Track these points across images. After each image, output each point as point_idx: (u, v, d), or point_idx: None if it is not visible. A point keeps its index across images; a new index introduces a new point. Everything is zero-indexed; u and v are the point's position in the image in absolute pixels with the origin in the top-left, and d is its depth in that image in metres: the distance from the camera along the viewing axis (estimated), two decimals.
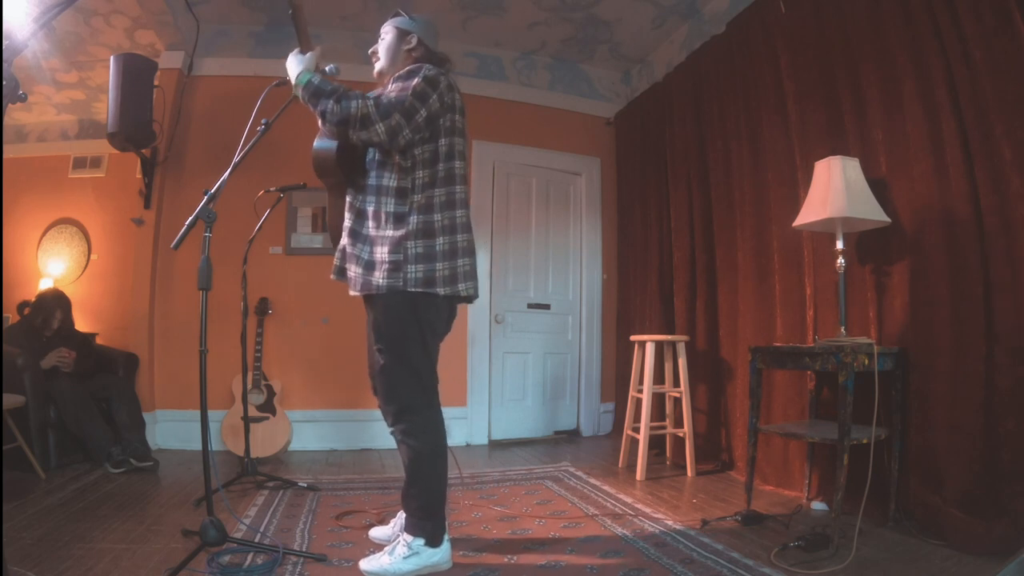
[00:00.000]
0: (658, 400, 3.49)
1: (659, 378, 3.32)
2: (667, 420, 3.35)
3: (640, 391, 3.19)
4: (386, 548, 1.81)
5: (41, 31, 1.38)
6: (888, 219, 2.28)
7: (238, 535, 2.01)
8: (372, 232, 1.80)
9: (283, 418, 3.53)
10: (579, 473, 3.10)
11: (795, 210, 2.52)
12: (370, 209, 1.81)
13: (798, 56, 2.82)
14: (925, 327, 2.19)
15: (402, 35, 1.91)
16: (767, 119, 3.01)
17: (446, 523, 1.84)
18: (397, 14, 1.96)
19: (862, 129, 2.49)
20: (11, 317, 3.74)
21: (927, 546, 1.96)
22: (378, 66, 1.95)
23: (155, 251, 3.75)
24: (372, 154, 1.86)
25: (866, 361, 2.08)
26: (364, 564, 1.77)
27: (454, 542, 2.02)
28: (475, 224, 4.27)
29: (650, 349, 3.15)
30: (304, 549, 1.93)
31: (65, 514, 2.25)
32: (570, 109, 4.56)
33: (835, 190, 2.24)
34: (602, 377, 4.52)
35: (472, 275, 1.84)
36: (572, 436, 4.39)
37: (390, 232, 1.77)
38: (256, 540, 1.97)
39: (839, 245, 2.33)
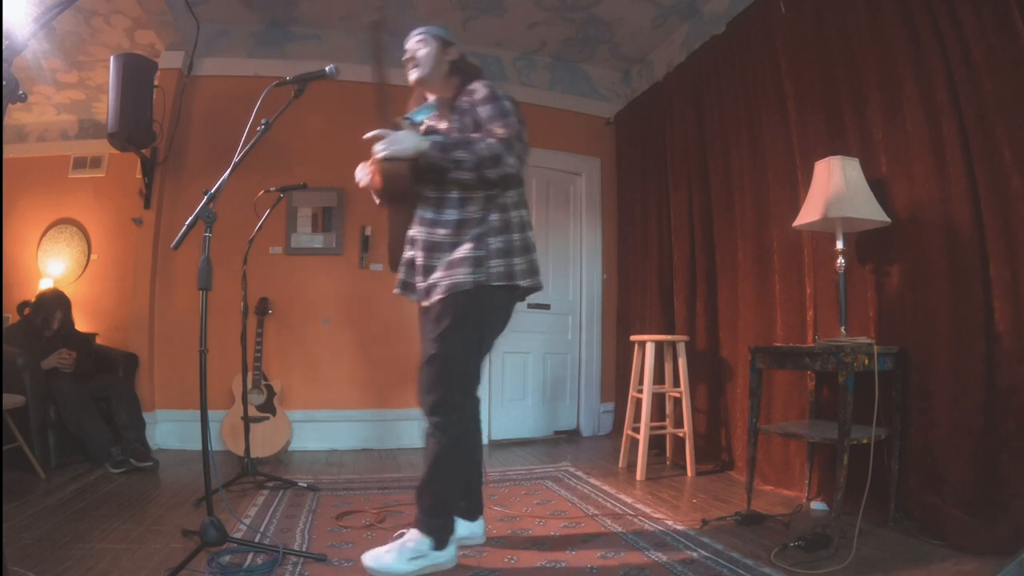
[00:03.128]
0: (658, 400, 3.49)
1: (659, 378, 3.32)
2: (667, 420, 3.35)
3: (640, 391, 3.19)
4: (390, 544, 1.79)
5: (41, 31, 1.38)
6: (888, 219, 2.28)
7: (238, 535, 2.01)
8: (449, 238, 1.82)
9: (283, 418, 3.53)
10: (579, 473, 3.10)
11: (795, 210, 2.52)
12: (448, 218, 1.83)
13: (798, 56, 2.81)
14: (925, 327, 2.19)
15: (444, 45, 1.95)
16: (767, 119, 3.01)
17: (454, 522, 1.84)
18: (428, 23, 2.01)
19: (862, 129, 2.49)
20: (11, 317, 3.74)
21: (927, 546, 1.96)
22: (418, 74, 1.95)
23: (155, 251, 3.75)
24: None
25: (866, 361, 2.08)
26: (368, 560, 1.76)
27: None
28: None
29: (650, 349, 3.15)
30: (304, 549, 1.93)
31: (65, 514, 2.25)
32: (570, 109, 4.56)
33: (835, 190, 2.24)
34: (602, 377, 4.52)
35: (538, 269, 1.93)
36: (572, 436, 4.39)
37: (469, 234, 1.80)
38: (256, 540, 1.97)
39: (839, 245, 2.33)
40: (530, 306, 4.37)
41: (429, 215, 1.86)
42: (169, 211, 3.78)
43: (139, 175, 3.79)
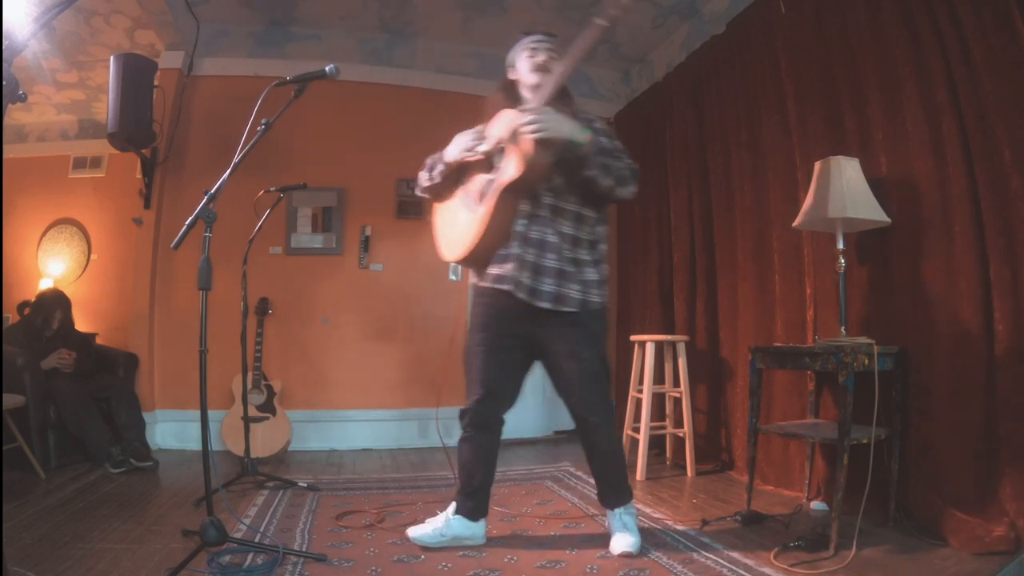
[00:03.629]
0: (658, 400, 3.49)
1: (659, 378, 3.32)
2: (667, 420, 3.35)
3: (640, 391, 3.19)
4: (614, 526, 1.99)
5: (41, 31, 1.38)
6: (888, 219, 2.27)
7: (238, 535, 2.01)
8: (576, 255, 1.93)
9: (283, 418, 3.53)
10: (579, 473, 3.10)
11: (795, 210, 2.52)
12: (570, 232, 1.92)
13: (798, 56, 2.81)
14: (925, 327, 2.19)
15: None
16: (767, 119, 3.01)
17: None
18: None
19: (862, 129, 2.49)
20: (11, 317, 3.74)
21: (927, 546, 1.95)
22: (544, 79, 1.89)
23: (155, 251, 3.75)
24: (562, 181, 1.90)
25: (866, 361, 2.08)
26: (618, 547, 1.92)
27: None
28: None
29: (650, 349, 3.15)
30: (304, 549, 1.92)
31: (65, 514, 2.25)
32: None
33: (835, 190, 2.24)
34: None
35: None
36: (572, 436, 4.38)
37: (589, 256, 1.96)
38: (256, 540, 1.97)
39: (839, 245, 2.33)
40: None
41: (546, 214, 1.89)
42: (169, 211, 3.78)
43: (139, 175, 3.79)
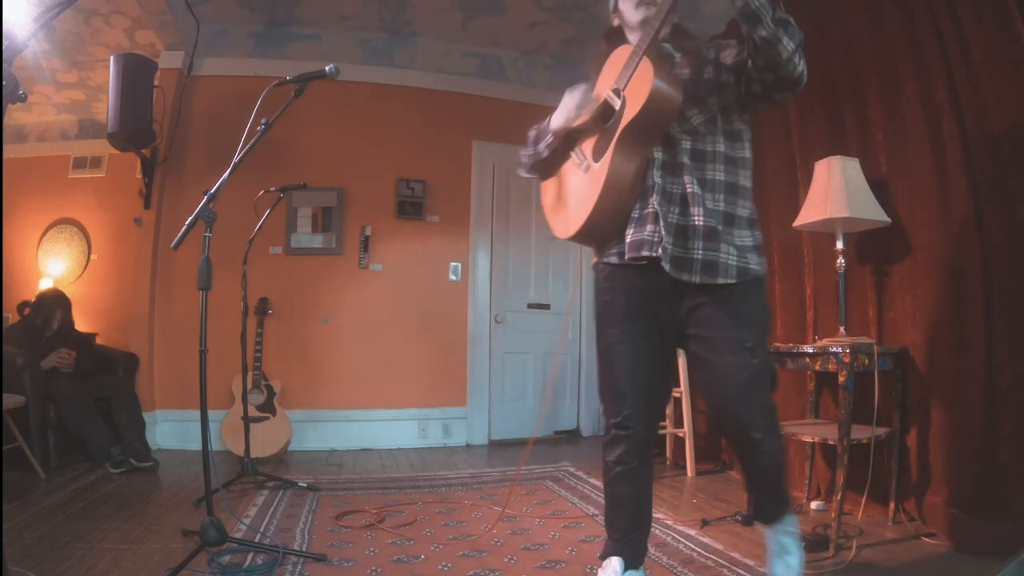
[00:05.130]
0: None
1: None
2: (667, 420, 3.35)
3: None
4: (773, 550, 1.57)
5: (41, 31, 1.38)
6: (888, 219, 2.28)
7: (238, 535, 2.01)
8: (728, 208, 1.48)
9: (283, 418, 3.53)
10: (579, 473, 3.10)
11: (795, 210, 2.52)
12: (723, 179, 1.51)
13: None
14: (925, 327, 2.19)
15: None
16: (767, 119, 3.01)
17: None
18: None
19: (862, 129, 2.49)
20: (11, 317, 3.74)
21: (927, 546, 1.96)
22: (650, 12, 1.54)
23: (155, 251, 3.75)
24: (702, 120, 1.54)
25: (866, 361, 2.08)
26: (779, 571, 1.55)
27: (454, 541, 2.02)
28: (475, 225, 4.30)
29: None
30: (304, 549, 1.92)
31: (65, 514, 2.25)
32: None
33: (835, 190, 2.24)
34: None
35: None
36: (572, 436, 4.39)
37: (747, 210, 1.52)
38: (256, 540, 1.97)
39: (839, 245, 2.33)
40: (530, 306, 4.37)
41: (686, 160, 1.49)
42: (169, 211, 3.78)
43: (139, 175, 3.79)
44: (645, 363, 1.52)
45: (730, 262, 1.43)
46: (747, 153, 1.56)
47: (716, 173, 1.50)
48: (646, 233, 1.45)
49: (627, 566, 1.53)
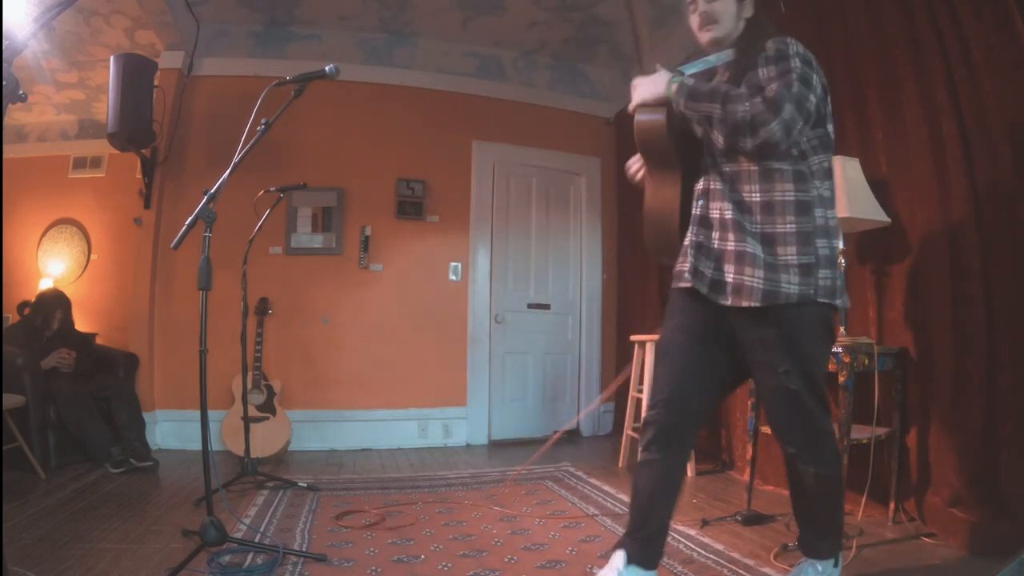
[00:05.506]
0: None
1: None
2: None
3: (640, 391, 3.19)
4: None
5: (41, 31, 1.38)
6: (888, 219, 2.28)
7: (238, 535, 2.01)
8: (765, 228, 1.46)
9: (283, 418, 3.53)
10: (579, 473, 3.10)
11: None
12: (759, 199, 1.47)
13: None
14: (925, 327, 2.19)
15: (740, 0, 1.57)
16: None
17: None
18: None
19: (862, 129, 2.50)
20: (11, 317, 3.74)
21: (927, 546, 1.96)
22: (712, 33, 1.58)
23: (155, 251, 3.75)
24: None
25: (866, 361, 2.08)
26: None
27: (454, 542, 2.02)
28: (475, 224, 4.31)
29: (650, 349, 3.14)
30: (304, 549, 1.92)
31: (65, 514, 2.25)
32: (570, 109, 4.56)
33: (835, 190, 2.24)
34: (602, 377, 4.52)
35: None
36: (572, 436, 4.39)
37: (793, 226, 1.44)
38: (256, 540, 1.97)
39: (839, 245, 2.33)
40: (530, 306, 4.37)
41: (723, 188, 1.51)
42: (169, 211, 3.78)
43: (139, 175, 3.79)
44: (689, 367, 1.54)
45: (755, 285, 1.43)
46: (790, 165, 1.47)
47: (752, 194, 1.48)
48: (680, 264, 1.55)
49: (632, 562, 1.52)
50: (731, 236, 1.47)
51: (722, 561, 1.84)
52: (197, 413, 2.01)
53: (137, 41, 3.91)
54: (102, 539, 1.98)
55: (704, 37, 1.61)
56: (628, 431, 3.30)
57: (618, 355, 4.48)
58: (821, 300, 1.44)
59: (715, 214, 1.51)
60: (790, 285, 1.42)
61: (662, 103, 1.50)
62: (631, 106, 1.56)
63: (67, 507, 2.35)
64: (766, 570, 1.76)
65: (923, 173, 2.22)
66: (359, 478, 3.01)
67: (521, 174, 4.41)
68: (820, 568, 1.55)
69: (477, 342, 4.14)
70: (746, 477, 2.46)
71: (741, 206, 1.48)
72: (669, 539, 2.06)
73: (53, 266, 4.74)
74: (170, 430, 3.66)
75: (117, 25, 3.77)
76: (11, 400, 2.76)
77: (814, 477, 1.50)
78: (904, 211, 2.30)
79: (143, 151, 3.63)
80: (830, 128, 1.53)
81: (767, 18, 1.62)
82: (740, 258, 1.45)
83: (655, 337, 3.20)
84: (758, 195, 1.47)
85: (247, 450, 2.86)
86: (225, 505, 2.29)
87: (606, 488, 2.78)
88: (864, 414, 2.15)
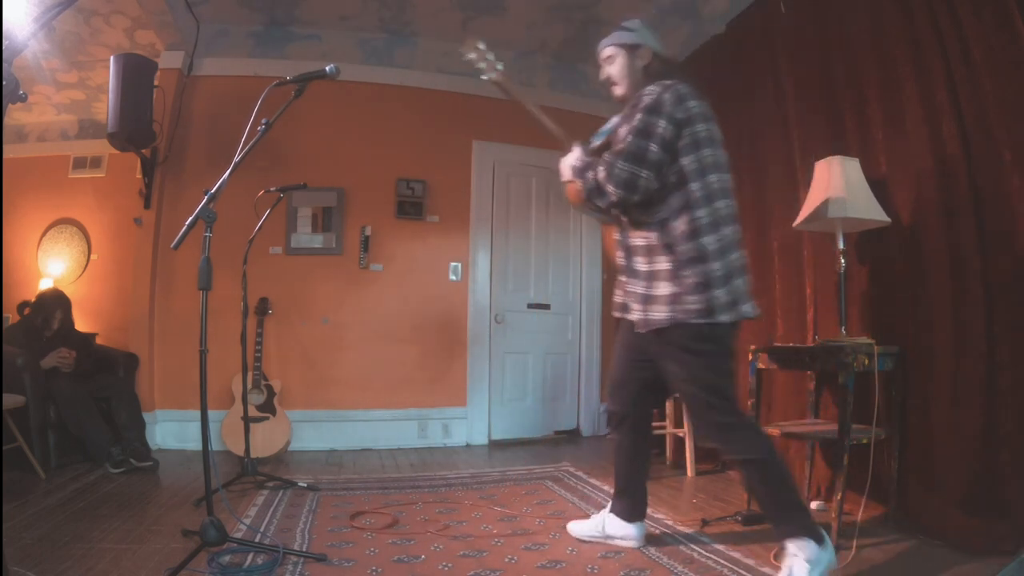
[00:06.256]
0: None
1: None
2: (667, 420, 3.35)
3: None
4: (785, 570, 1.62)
5: (41, 31, 1.38)
6: (888, 219, 2.28)
7: (238, 535, 2.01)
8: (643, 267, 1.78)
9: (283, 418, 3.53)
10: (579, 473, 3.10)
11: (795, 210, 2.52)
12: (636, 243, 1.80)
13: (798, 56, 2.81)
14: (925, 327, 2.19)
15: (631, 52, 1.86)
16: (767, 119, 3.01)
17: (812, 518, 1.67)
18: (613, 30, 1.94)
19: (862, 129, 2.49)
20: (11, 317, 3.74)
21: (927, 546, 1.96)
22: (619, 92, 1.91)
23: (155, 251, 3.75)
24: None
25: (866, 361, 2.08)
26: None
27: (454, 542, 2.02)
28: (475, 224, 4.30)
29: None
30: (304, 549, 1.92)
31: (65, 514, 2.25)
32: (570, 109, 4.55)
33: (835, 190, 2.24)
34: (602, 377, 4.52)
35: (750, 294, 1.75)
36: (572, 436, 4.39)
37: (663, 265, 1.72)
38: (256, 540, 1.97)
39: (839, 245, 2.33)
40: (530, 306, 4.37)
41: (621, 240, 1.88)
42: (169, 211, 3.78)
43: (139, 175, 3.79)
44: (621, 371, 2.00)
45: (643, 316, 1.77)
46: (660, 214, 1.72)
47: (636, 239, 1.81)
48: (615, 297, 1.97)
49: (612, 512, 2.04)
50: (634, 279, 1.82)
51: (722, 561, 1.84)
52: (197, 413, 2.01)
53: (137, 41, 3.90)
54: (102, 539, 1.98)
55: (615, 96, 1.93)
56: None
57: None
58: (695, 321, 1.67)
59: (620, 259, 1.88)
60: (660, 313, 1.72)
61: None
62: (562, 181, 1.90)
63: (67, 507, 2.35)
64: (766, 570, 1.76)
65: (923, 173, 2.22)
66: (359, 478, 3.01)
67: (521, 174, 4.41)
68: (795, 548, 1.61)
69: (477, 342, 4.14)
70: None
71: (633, 250, 1.82)
72: (669, 539, 2.07)
73: (53, 266, 4.74)
74: (170, 430, 3.65)
75: (117, 25, 3.77)
76: (11, 400, 2.76)
77: (741, 465, 1.73)
78: (904, 211, 2.30)
79: (143, 151, 3.63)
80: (705, 152, 1.71)
81: (663, 62, 1.87)
82: (643, 297, 1.78)
83: None
84: (641, 240, 1.79)
85: (247, 450, 2.86)
86: (225, 505, 2.29)
87: (606, 488, 2.78)
88: (864, 414, 2.15)
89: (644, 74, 1.84)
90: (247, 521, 2.19)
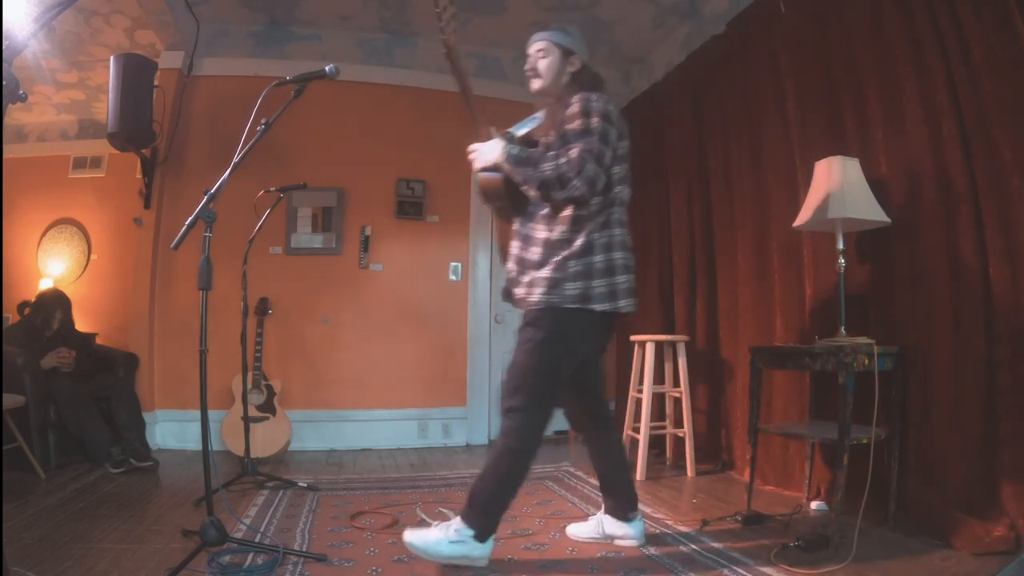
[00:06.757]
0: (658, 400, 3.49)
1: (659, 378, 3.32)
2: (667, 420, 3.35)
3: (640, 391, 3.19)
4: (439, 525, 1.82)
5: (41, 31, 1.38)
6: (888, 219, 2.27)
7: (238, 535, 2.01)
8: (538, 258, 1.85)
9: (283, 418, 3.53)
10: (579, 473, 3.10)
11: (795, 210, 2.52)
12: (538, 236, 1.87)
13: (798, 56, 2.81)
14: (925, 327, 2.19)
15: (566, 55, 1.91)
16: (767, 119, 3.01)
17: (498, 523, 1.84)
18: (552, 27, 1.96)
19: (862, 129, 2.49)
20: (11, 317, 3.74)
21: (927, 546, 1.95)
22: (538, 85, 1.94)
23: (155, 251, 3.75)
24: None
25: (866, 361, 2.08)
26: (408, 535, 1.79)
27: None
28: (475, 224, 4.30)
29: (650, 349, 3.14)
30: (304, 549, 1.92)
31: (65, 514, 2.25)
32: None
33: (835, 190, 2.24)
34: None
35: (631, 292, 1.89)
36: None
37: (555, 257, 1.82)
38: (256, 540, 1.97)
39: (839, 245, 2.33)
40: None
41: (523, 230, 1.92)
42: (169, 211, 3.78)
43: (139, 175, 3.79)
44: None
45: (528, 298, 1.83)
46: (580, 211, 1.82)
47: (539, 231, 1.88)
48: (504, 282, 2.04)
49: (607, 512, 2.05)
50: (516, 267, 1.92)
51: (722, 561, 1.84)
52: (197, 413, 2.01)
53: (137, 41, 3.90)
54: (102, 539, 1.98)
55: (531, 87, 1.95)
56: (628, 431, 3.30)
57: (618, 355, 4.48)
58: (568, 306, 1.77)
59: (515, 249, 1.94)
60: (538, 295, 1.80)
61: (495, 168, 1.84)
62: (474, 169, 1.91)
63: (67, 507, 2.35)
64: (766, 570, 1.76)
65: (923, 173, 2.22)
66: (359, 478, 3.01)
67: None
68: (461, 528, 1.77)
69: (477, 342, 4.14)
70: (746, 477, 2.46)
71: (528, 239, 1.89)
72: (669, 539, 2.07)
73: (53, 266, 4.74)
74: (170, 430, 3.66)
75: (117, 25, 3.77)
76: (11, 400, 2.76)
77: (502, 444, 1.81)
78: (904, 211, 2.30)
79: (143, 151, 3.63)
80: (624, 166, 1.87)
81: (593, 73, 1.92)
82: (519, 283, 1.89)
83: (655, 337, 3.20)
84: (540, 233, 1.87)
85: (247, 450, 2.86)
86: (225, 505, 2.29)
87: None
88: (864, 414, 2.14)
89: (571, 79, 1.90)
90: (247, 521, 2.19)
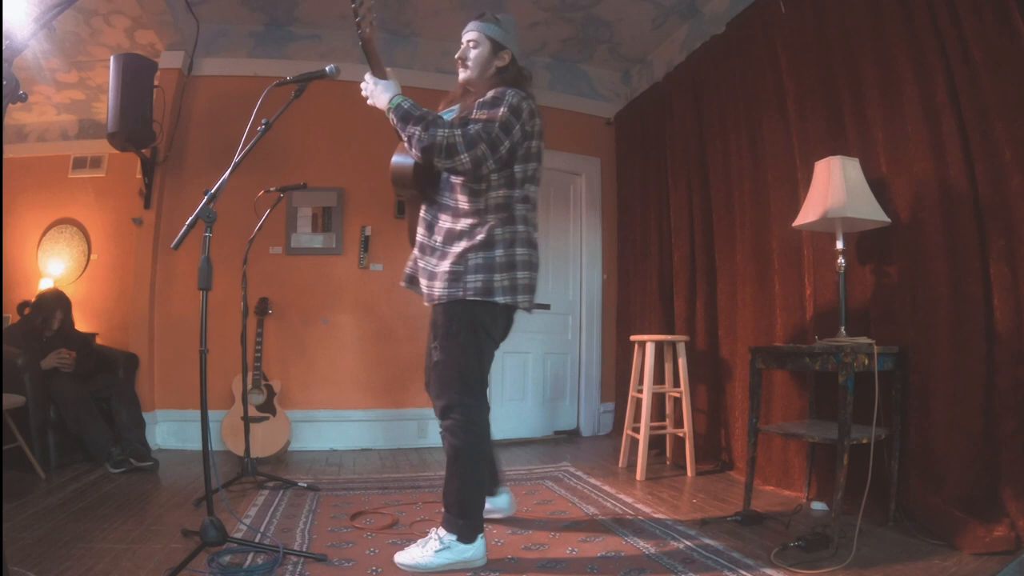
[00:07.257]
0: (658, 400, 3.49)
1: (659, 378, 3.32)
2: (667, 420, 3.35)
3: (640, 391, 3.19)
4: (418, 540, 1.85)
5: (41, 31, 1.38)
6: (888, 219, 2.28)
7: (238, 535, 2.01)
8: (440, 246, 1.86)
9: (283, 418, 3.53)
10: (579, 473, 3.10)
11: (795, 210, 2.52)
12: (442, 225, 1.87)
13: (798, 56, 2.81)
14: (925, 327, 2.19)
15: (496, 49, 1.91)
16: (767, 119, 3.01)
17: (482, 521, 1.87)
18: (487, 18, 1.95)
19: (862, 129, 2.49)
20: (11, 317, 3.74)
21: (927, 546, 1.95)
22: (465, 75, 1.94)
23: (155, 251, 3.75)
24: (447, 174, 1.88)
25: (866, 361, 2.08)
26: (398, 557, 1.82)
27: None
28: None
29: (650, 349, 3.15)
30: (304, 549, 1.92)
31: (65, 514, 2.25)
32: (570, 109, 4.56)
33: (835, 190, 2.24)
34: (602, 377, 4.52)
35: (531, 288, 1.91)
36: (572, 436, 4.39)
37: (456, 247, 1.83)
38: (256, 540, 1.97)
39: (839, 245, 2.33)
40: None
41: (427, 217, 1.92)
42: (169, 211, 3.78)
43: (139, 175, 3.79)
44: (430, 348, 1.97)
45: (431, 291, 1.85)
46: (477, 205, 1.83)
47: (444, 221, 1.88)
48: (406, 268, 2.06)
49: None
50: (419, 253, 1.93)
51: (722, 561, 1.84)
52: (197, 413, 2.01)
53: (137, 41, 3.90)
54: (102, 539, 1.98)
55: (459, 75, 1.96)
56: (628, 431, 3.30)
57: (618, 355, 4.48)
58: (471, 299, 1.79)
59: (419, 236, 1.94)
60: (441, 288, 1.82)
61: (382, 109, 1.83)
62: (363, 95, 1.88)
63: (67, 507, 2.35)
64: (766, 570, 1.76)
65: (923, 173, 2.22)
66: (359, 478, 3.01)
67: None
68: (443, 535, 1.80)
69: None
70: (746, 477, 2.46)
71: (431, 228, 1.89)
72: (669, 539, 2.07)
73: (53, 266, 4.74)
74: (170, 430, 3.66)
75: (117, 25, 3.77)
76: (11, 400, 2.76)
77: (448, 447, 1.84)
78: (904, 211, 2.30)
79: (143, 151, 3.63)
80: (532, 165, 1.86)
81: (519, 70, 1.92)
82: (423, 271, 1.90)
83: (655, 337, 3.20)
84: (443, 222, 1.86)
85: (247, 450, 2.86)
86: (225, 505, 2.29)
87: (606, 488, 2.78)
88: (864, 414, 2.15)
89: (498, 73, 1.90)
90: (247, 521, 2.19)
